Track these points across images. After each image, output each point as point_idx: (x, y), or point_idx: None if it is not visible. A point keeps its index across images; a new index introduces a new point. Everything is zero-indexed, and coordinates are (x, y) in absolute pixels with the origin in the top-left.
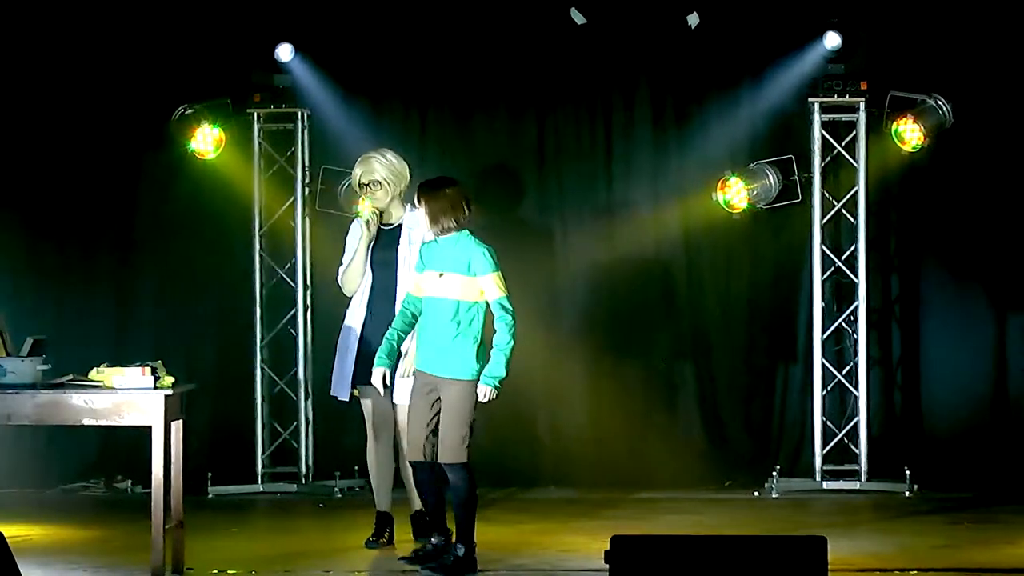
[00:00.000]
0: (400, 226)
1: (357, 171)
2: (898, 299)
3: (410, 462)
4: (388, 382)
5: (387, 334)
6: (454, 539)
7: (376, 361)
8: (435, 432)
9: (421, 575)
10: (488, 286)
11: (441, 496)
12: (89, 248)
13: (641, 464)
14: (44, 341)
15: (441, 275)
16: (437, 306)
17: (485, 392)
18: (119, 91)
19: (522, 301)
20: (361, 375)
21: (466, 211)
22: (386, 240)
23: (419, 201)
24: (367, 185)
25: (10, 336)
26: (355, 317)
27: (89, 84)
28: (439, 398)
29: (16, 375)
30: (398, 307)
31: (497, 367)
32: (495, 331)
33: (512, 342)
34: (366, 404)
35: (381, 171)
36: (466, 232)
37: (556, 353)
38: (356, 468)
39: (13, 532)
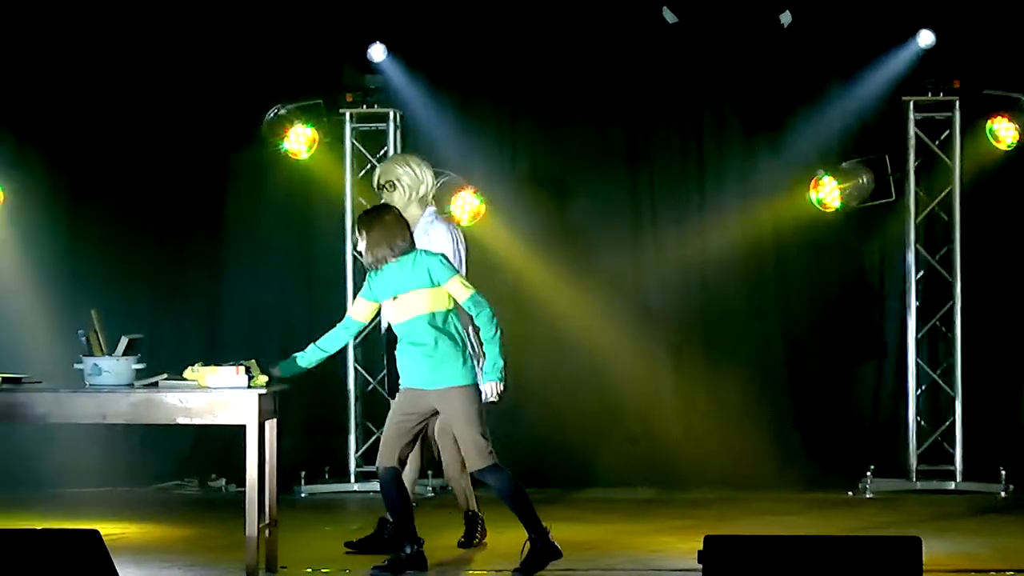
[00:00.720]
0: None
1: (376, 172)
2: (993, 298)
3: (378, 467)
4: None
5: (316, 343)
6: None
7: (291, 360)
8: (411, 443)
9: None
10: (455, 289)
11: (407, 501)
12: (182, 248)
13: (733, 464)
14: (139, 340)
15: (396, 298)
16: (409, 327)
17: (492, 389)
18: (213, 91)
19: (613, 302)
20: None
21: (405, 235)
22: None
23: (358, 231)
24: (383, 186)
25: (105, 335)
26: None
27: (183, 84)
28: (424, 414)
29: (111, 374)
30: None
31: (494, 360)
32: (478, 330)
33: (497, 332)
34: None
35: (398, 171)
36: (415, 249)
37: (647, 353)
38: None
39: (108, 530)
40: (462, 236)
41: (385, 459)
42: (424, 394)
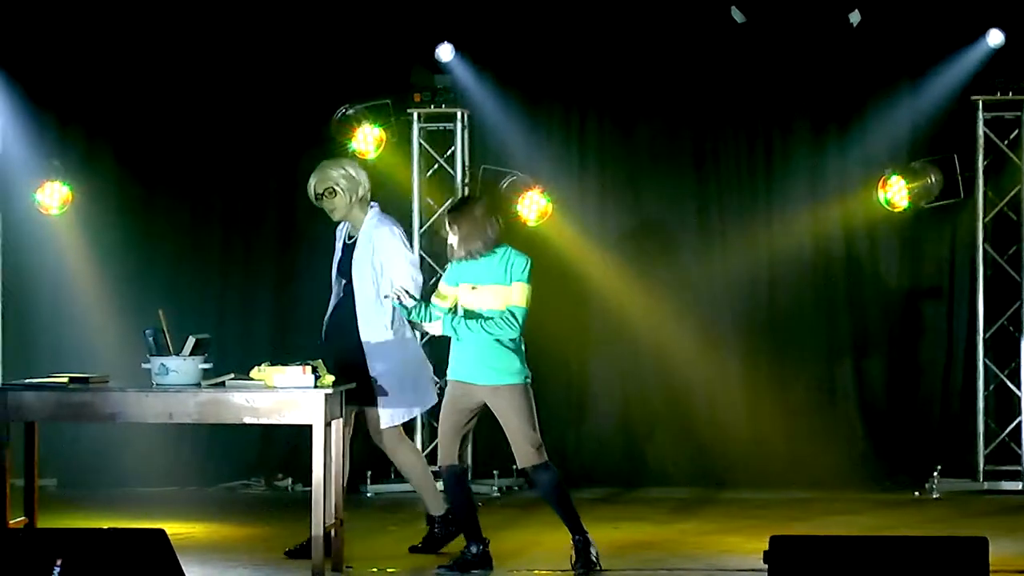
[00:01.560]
0: (356, 240)
1: (312, 181)
2: None
3: (440, 466)
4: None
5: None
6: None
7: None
8: (466, 438)
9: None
10: (516, 292)
11: (469, 503)
12: (250, 248)
13: (800, 464)
14: (206, 340)
15: (474, 287)
16: (474, 317)
17: (406, 299)
18: (284, 91)
19: (681, 302)
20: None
21: (495, 228)
22: (348, 258)
23: (448, 225)
24: (322, 194)
25: (173, 335)
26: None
27: (255, 84)
28: (475, 409)
29: (179, 374)
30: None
31: (448, 320)
32: (493, 320)
33: (483, 334)
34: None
35: (335, 177)
36: (505, 245)
37: (715, 353)
38: (514, 467)
39: (175, 529)
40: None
41: (445, 458)
42: (474, 388)
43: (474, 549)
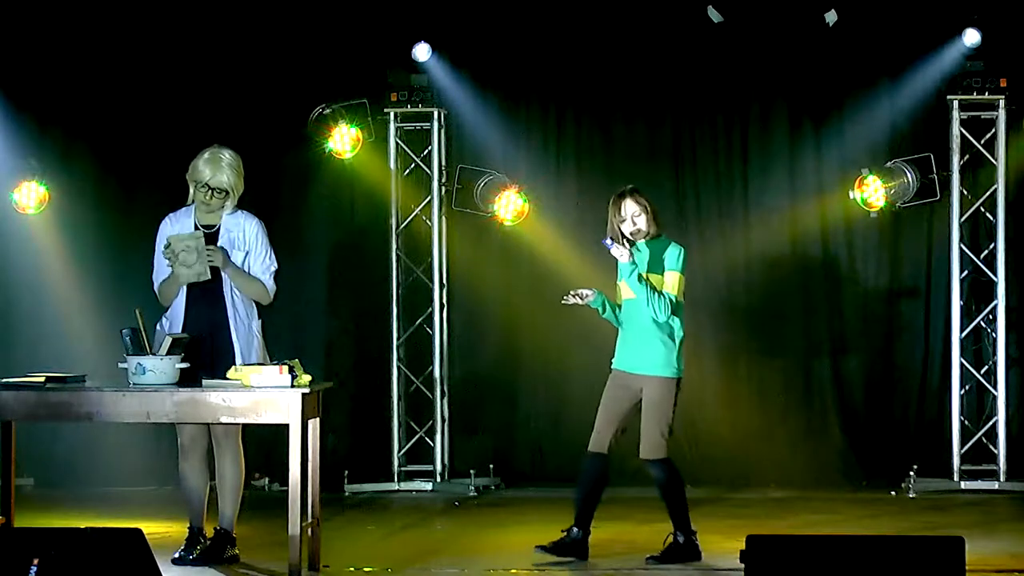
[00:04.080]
0: (218, 228)
1: (205, 170)
2: None
3: (590, 452)
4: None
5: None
6: (672, 529)
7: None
8: (623, 430)
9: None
10: (668, 280)
11: (596, 492)
12: None
13: (777, 463)
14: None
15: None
16: (636, 307)
17: (623, 255)
18: (259, 91)
19: None
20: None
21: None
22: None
23: (637, 204)
24: (213, 190)
25: (150, 334)
26: (175, 323)
27: (231, 84)
28: (632, 398)
29: (156, 374)
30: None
31: (632, 267)
32: (657, 294)
33: (644, 296)
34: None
35: (232, 180)
36: (664, 236)
37: (692, 353)
38: (491, 466)
39: (152, 529)
40: None
41: (593, 444)
42: (631, 377)
43: (575, 532)
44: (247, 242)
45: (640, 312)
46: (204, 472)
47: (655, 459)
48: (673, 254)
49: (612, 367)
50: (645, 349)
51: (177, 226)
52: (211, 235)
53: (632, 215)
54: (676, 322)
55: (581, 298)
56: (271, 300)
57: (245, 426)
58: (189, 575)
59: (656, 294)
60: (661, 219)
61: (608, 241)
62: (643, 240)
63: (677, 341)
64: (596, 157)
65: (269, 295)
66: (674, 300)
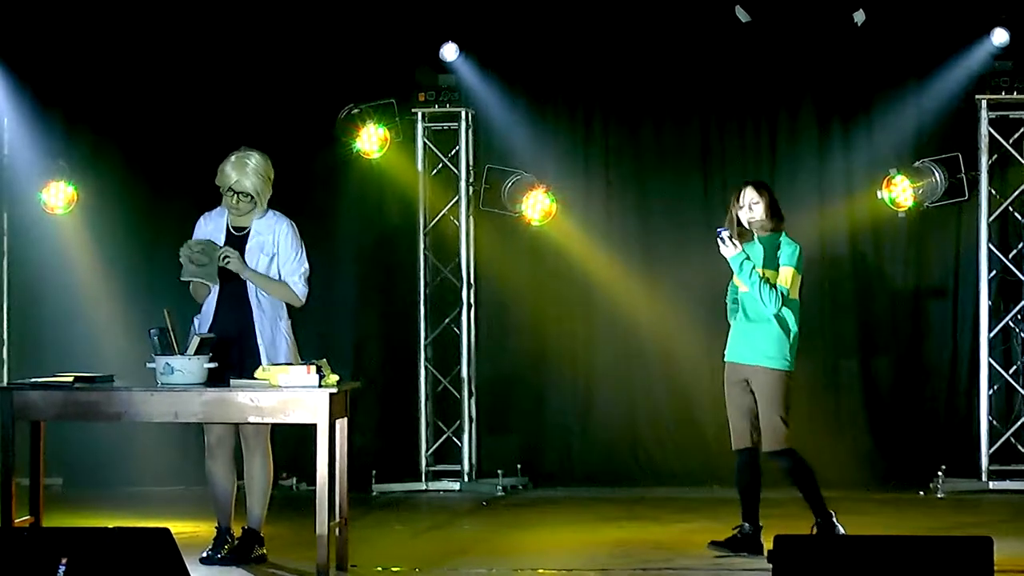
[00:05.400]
0: (249, 231)
1: (232, 174)
2: None
3: (735, 449)
4: None
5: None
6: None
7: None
8: (757, 419)
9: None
10: (782, 275)
11: (754, 485)
12: None
13: None
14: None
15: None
16: (749, 300)
17: (729, 249)
18: (287, 91)
19: (686, 301)
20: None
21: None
22: (235, 247)
23: (757, 193)
24: (239, 194)
25: (178, 334)
26: (204, 323)
27: (259, 84)
28: (751, 388)
29: (184, 374)
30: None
31: (741, 257)
32: (767, 284)
33: (751, 285)
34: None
35: (258, 185)
36: (782, 232)
37: (720, 353)
38: (519, 466)
39: (179, 529)
40: None
41: (735, 442)
42: (739, 367)
43: (747, 528)
44: (276, 244)
45: (753, 305)
46: (231, 472)
47: (777, 450)
48: (788, 251)
49: (724, 360)
50: (757, 340)
51: (211, 225)
52: (241, 238)
53: (750, 202)
54: (789, 315)
55: (734, 244)
56: (302, 303)
57: (274, 426)
58: (217, 575)
59: (767, 285)
60: (781, 215)
61: (722, 230)
62: (761, 233)
63: (791, 335)
64: (624, 158)
65: (298, 298)
66: (785, 293)
